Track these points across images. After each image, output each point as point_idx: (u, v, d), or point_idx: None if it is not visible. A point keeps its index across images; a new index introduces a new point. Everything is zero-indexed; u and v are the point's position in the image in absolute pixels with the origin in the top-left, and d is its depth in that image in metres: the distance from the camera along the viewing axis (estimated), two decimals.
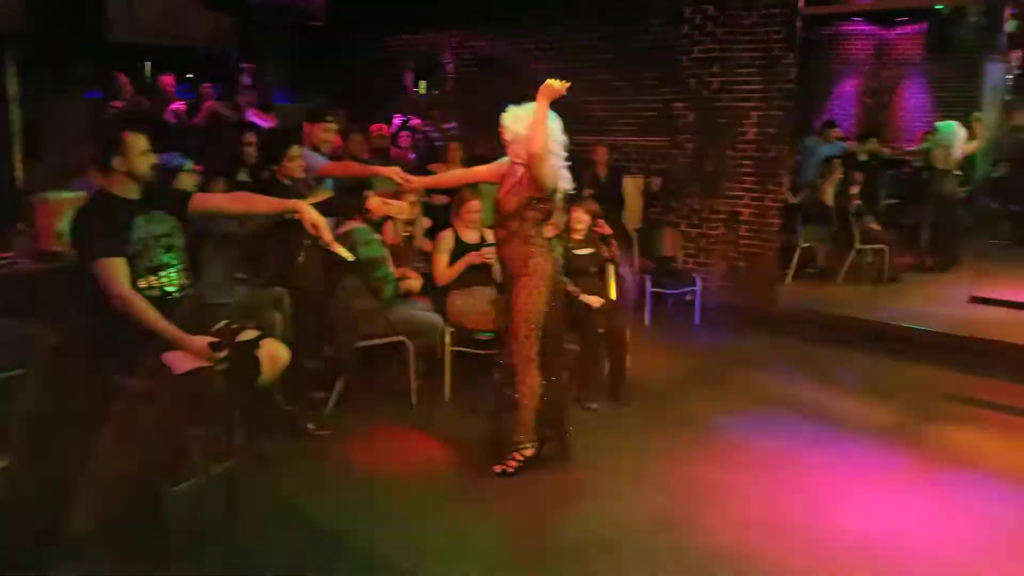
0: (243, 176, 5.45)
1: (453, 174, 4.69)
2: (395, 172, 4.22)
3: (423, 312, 4.67)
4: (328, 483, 3.68)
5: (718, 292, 7.03)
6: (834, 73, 12.13)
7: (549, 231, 5.04)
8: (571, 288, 4.86)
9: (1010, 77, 11.50)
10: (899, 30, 11.95)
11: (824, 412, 4.74)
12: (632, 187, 7.39)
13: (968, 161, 8.78)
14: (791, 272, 7.67)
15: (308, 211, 3.27)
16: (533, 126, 3.41)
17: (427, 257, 4.98)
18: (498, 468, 3.72)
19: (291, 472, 3.74)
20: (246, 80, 8.30)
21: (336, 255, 3.42)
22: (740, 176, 6.93)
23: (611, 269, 5.42)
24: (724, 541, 3.24)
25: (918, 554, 3.17)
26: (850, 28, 11.93)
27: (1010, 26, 10.50)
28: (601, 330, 4.72)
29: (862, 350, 6.00)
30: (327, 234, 3.29)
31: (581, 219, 5.08)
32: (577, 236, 5.08)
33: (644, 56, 7.56)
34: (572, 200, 5.34)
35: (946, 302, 6.73)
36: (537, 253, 3.62)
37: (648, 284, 6.65)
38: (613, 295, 5.28)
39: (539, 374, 3.68)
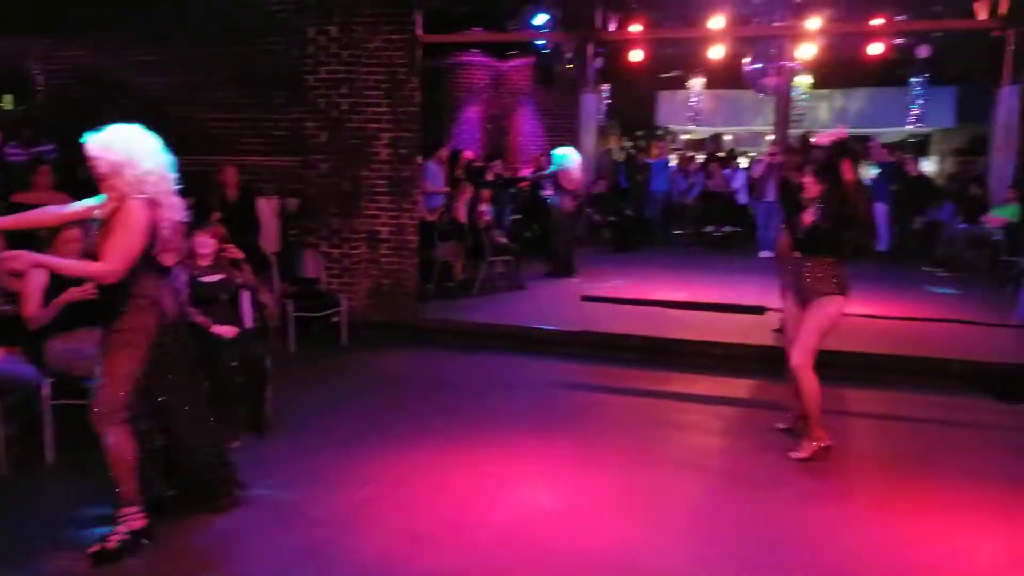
0: None
1: (45, 213, 3.89)
2: None
3: (10, 364, 3.92)
4: None
5: (363, 310, 7.07)
6: (459, 100, 13.07)
7: (168, 259, 4.65)
8: (200, 319, 4.50)
9: (603, 106, 13.53)
10: (511, 62, 13.29)
11: (468, 414, 5.00)
12: (267, 209, 7.13)
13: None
14: (432, 286, 8.01)
15: None
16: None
17: (14, 298, 4.21)
18: (95, 548, 3.11)
19: None
20: None
21: None
22: (376, 196, 7.06)
23: (245, 295, 5.12)
24: (372, 558, 3.20)
25: (553, 533, 3.45)
26: (470, 59, 12.96)
27: (599, 62, 12.33)
28: (235, 363, 4.42)
29: (497, 352, 6.52)
30: None
31: (206, 244, 4.72)
32: (203, 262, 4.72)
33: (271, 74, 7.34)
34: (196, 224, 4.97)
35: (563, 303, 7.59)
36: (136, 306, 3.18)
37: (291, 308, 6.45)
38: (248, 323, 4.99)
39: (127, 431, 3.18)
